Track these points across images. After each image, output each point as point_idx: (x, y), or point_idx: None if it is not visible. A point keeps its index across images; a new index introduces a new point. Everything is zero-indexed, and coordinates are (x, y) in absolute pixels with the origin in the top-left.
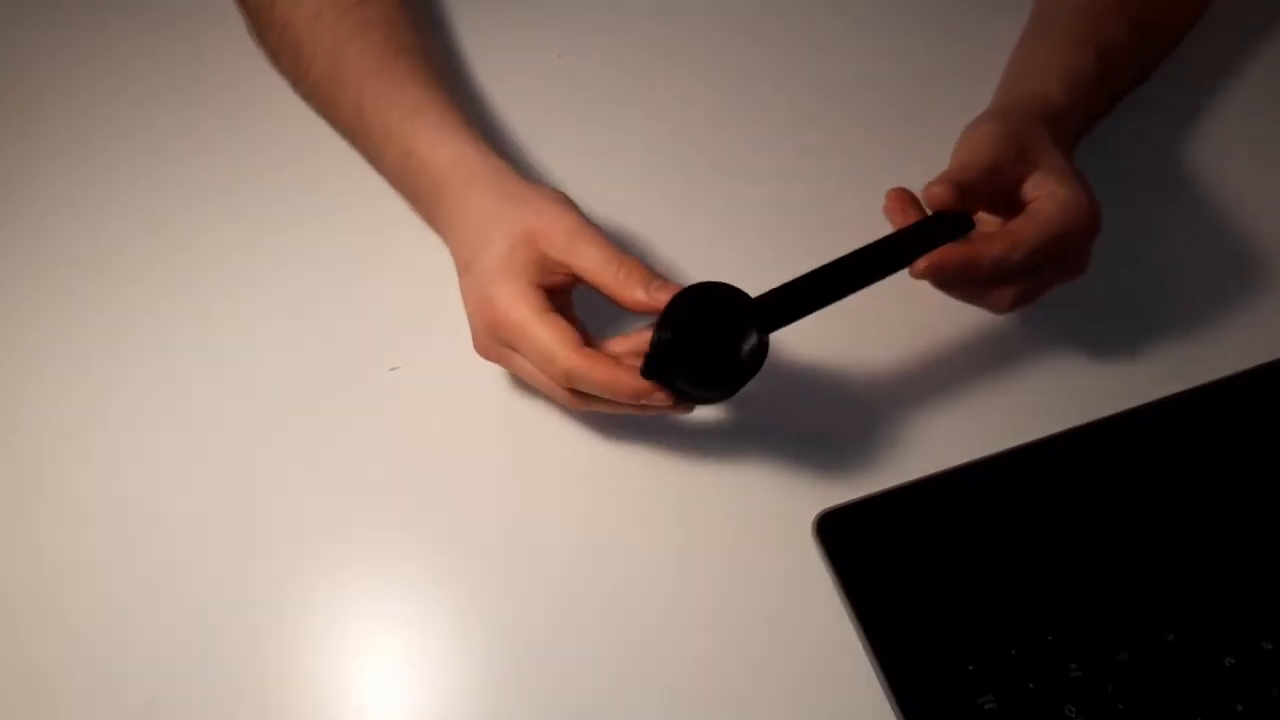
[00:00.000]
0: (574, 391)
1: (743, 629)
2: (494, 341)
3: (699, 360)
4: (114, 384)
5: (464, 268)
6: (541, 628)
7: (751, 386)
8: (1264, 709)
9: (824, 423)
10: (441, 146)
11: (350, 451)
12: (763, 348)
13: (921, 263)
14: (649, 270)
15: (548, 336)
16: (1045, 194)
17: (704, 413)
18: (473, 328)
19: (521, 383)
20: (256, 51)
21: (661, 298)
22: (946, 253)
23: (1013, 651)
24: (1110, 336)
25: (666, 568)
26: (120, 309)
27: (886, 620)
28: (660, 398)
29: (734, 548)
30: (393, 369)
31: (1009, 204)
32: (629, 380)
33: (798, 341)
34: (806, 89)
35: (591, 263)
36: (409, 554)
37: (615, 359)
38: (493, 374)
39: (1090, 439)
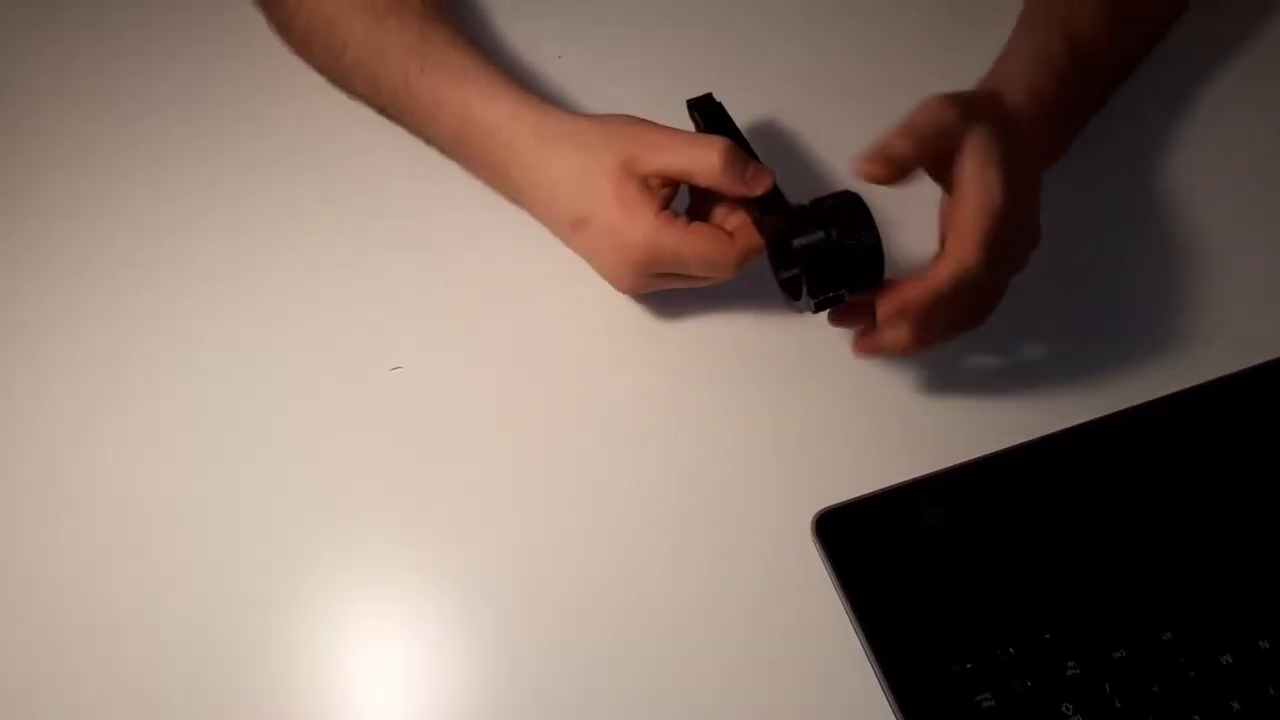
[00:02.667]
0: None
1: (742, 627)
2: (647, 277)
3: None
4: (115, 384)
5: (577, 224)
6: (541, 627)
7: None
8: (1261, 708)
9: (824, 422)
10: (497, 106)
11: (352, 451)
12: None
13: (888, 306)
14: (738, 153)
15: (702, 247)
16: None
17: (704, 413)
18: (612, 275)
19: (522, 381)
20: (258, 58)
21: (757, 186)
22: (909, 292)
23: (1011, 650)
24: (1109, 336)
25: (665, 567)
26: (122, 311)
27: (885, 618)
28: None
29: (733, 546)
30: (394, 369)
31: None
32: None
33: (797, 340)
34: (808, 93)
35: (684, 166)
36: (410, 553)
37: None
38: (493, 373)
39: (1089, 438)
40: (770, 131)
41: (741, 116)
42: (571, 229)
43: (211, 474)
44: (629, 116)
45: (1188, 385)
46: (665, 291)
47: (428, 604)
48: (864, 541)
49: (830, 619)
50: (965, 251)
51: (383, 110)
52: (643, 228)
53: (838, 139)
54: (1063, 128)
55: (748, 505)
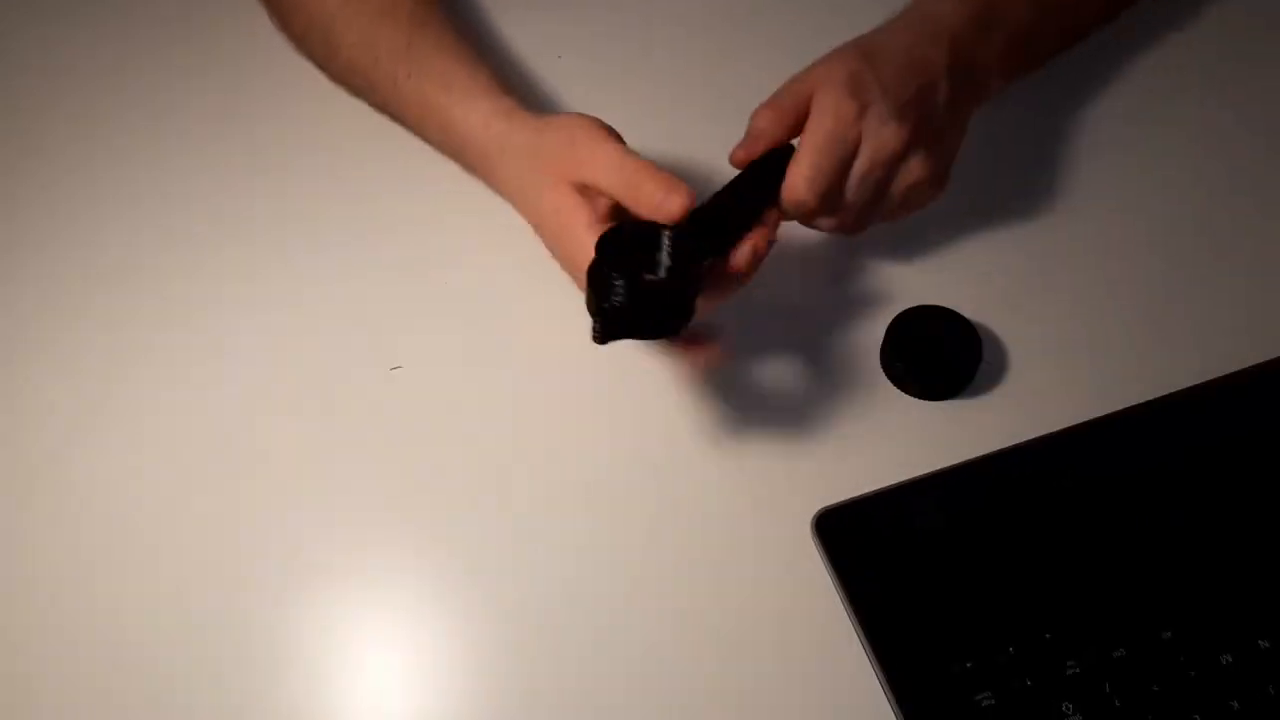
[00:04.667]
0: None
1: (742, 626)
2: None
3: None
4: (116, 385)
5: (536, 229)
6: (541, 627)
7: (752, 385)
8: (1260, 707)
9: (823, 422)
10: (473, 115)
11: (352, 451)
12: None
13: (745, 250)
14: (659, 176)
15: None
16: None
17: (704, 413)
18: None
19: (522, 381)
20: (258, 63)
21: (672, 207)
22: (743, 258)
23: (1010, 649)
24: (1108, 336)
25: (665, 566)
26: (124, 314)
27: (885, 617)
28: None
29: (733, 546)
30: (395, 368)
31: None
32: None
33: (797, 340)
34: None
35: (607, 184)
36: (410, 552)
37: None
38: (493, 374)
39: (1088, 438)
40: None
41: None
42: (537, 235)
43: (211, 474)
44: (577, 126)
45: (1187, 385)
46: None
47: (427, 603)
48: (864, 541)
49: (830, 618)
50: (795, 188)
51: (379, 110)
52: (567, 242)
53: None
54: (987, 41)
55: (748, 505)
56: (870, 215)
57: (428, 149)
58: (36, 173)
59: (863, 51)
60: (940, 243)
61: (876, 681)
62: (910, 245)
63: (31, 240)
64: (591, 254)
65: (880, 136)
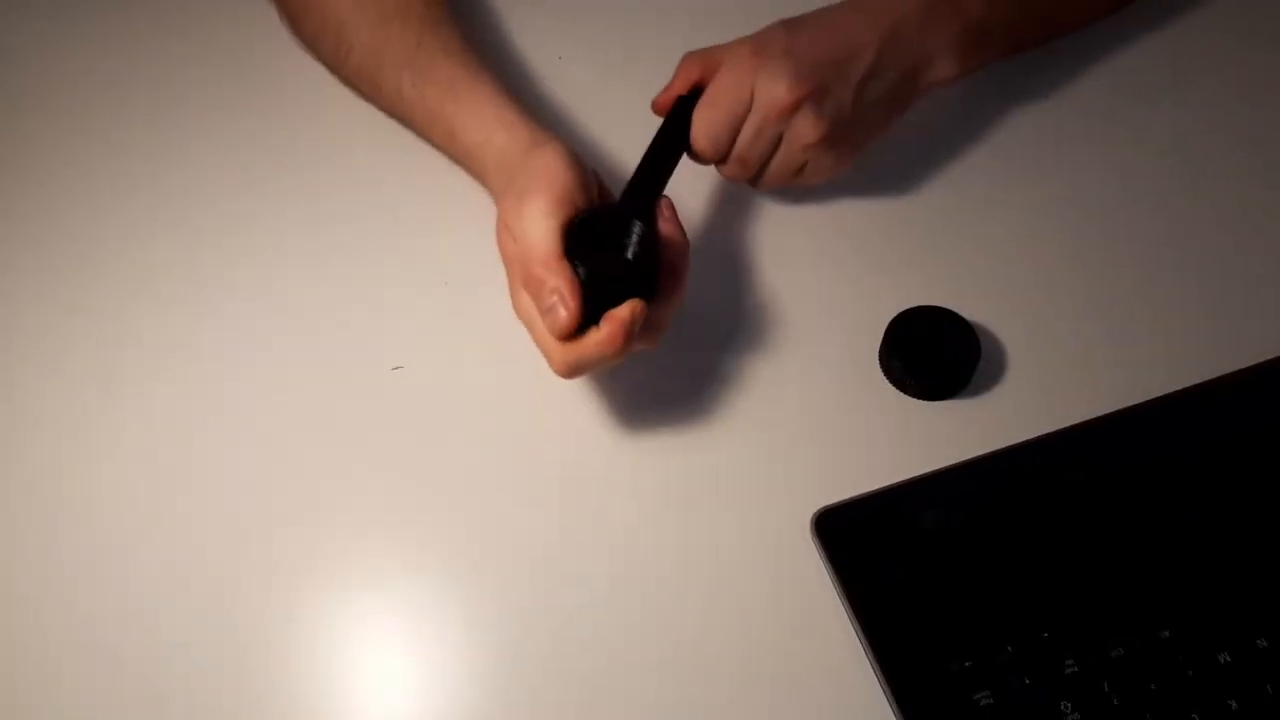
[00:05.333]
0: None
1: (741, 625)
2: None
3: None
4: (117, 385)
5: (500, 232)
6: (541, 627)
7: (752, 385)
8: (1259, 706)
9: (823, 421)
10: (476, 128)
11: (352, 451)
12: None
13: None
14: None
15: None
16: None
17: (704, 412)
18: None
19: (522, 382)
20: (258, 59)
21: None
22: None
23: (1009, 648)
24: (1106, 336)
25: (665, 566)
26: (124, 312)
27: (884, 617)
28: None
29: (732, 545)
30: (395, 368)
31: None
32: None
33: (798, 339)
34: None
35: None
36: (410, 552)
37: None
38: (494, 374)
39: (1087, 438)
40: None
41: None
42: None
43: (211, 473)
44: (555, 160)
45: (1187, 385)
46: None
47: (428, 603)
48: (863, 541)
49: (829, 618)
50: (694, 128)
51: (388, 114)
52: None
53: None
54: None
55: (748, 505)
56: (766, 170)
57: (429, 148)
58: (33, 168)
59: (790, 21)
60: (940, 243)
61: (875, 681)
62: (910, 245)
63: (28, 236)
64: (545, 244)
65: (769, 91)
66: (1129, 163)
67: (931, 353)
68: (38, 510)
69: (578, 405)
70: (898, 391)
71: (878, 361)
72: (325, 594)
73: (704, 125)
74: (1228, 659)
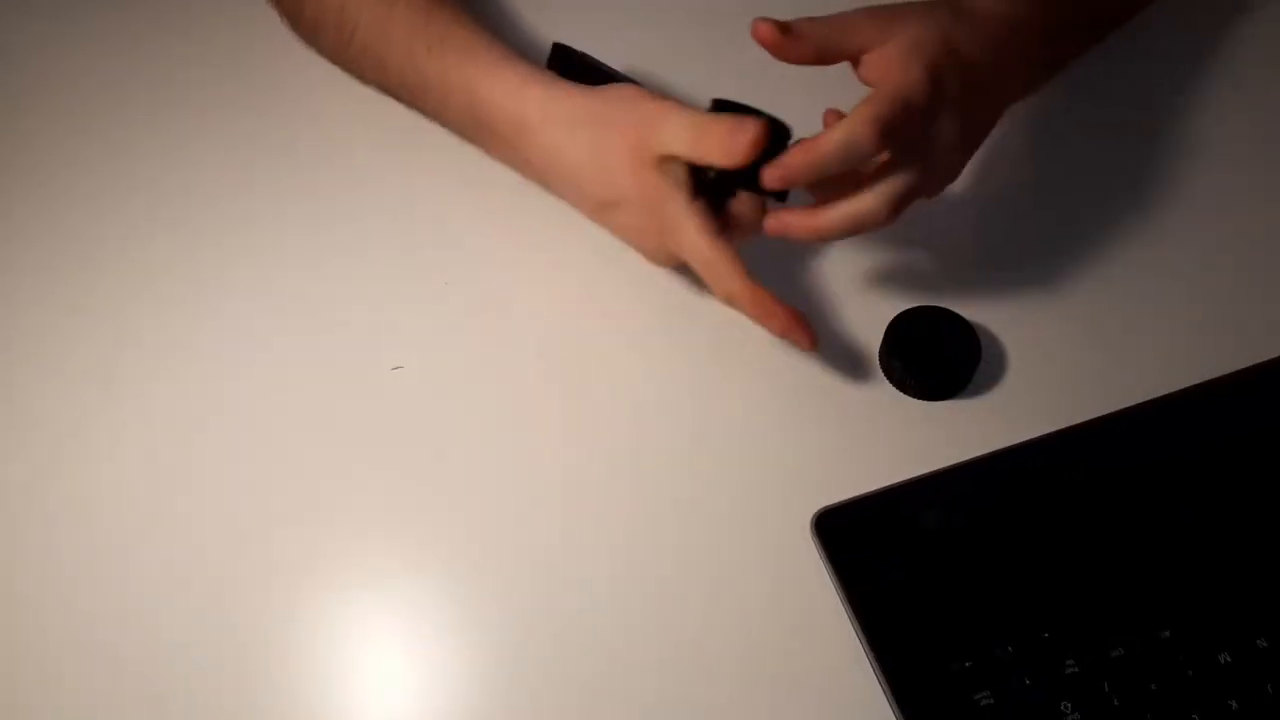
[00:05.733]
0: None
1: (741, 626)
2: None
3: None
4: (117, 385)
5: (605, 208)
6: (542, 626)
7: (752, 385)
8: (1259, 706)
9: (823, 421)
10: (504, 84)
11: (352, 451)
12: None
13: (770, 171)
14: (723, 120)
15: (720, 267)
16: (880, 72)
17: (704, 413)
18: (646, 254)
19: (522, 381)
20: (258, 57)
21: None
22: (791, 156)
23: (1009, 648)
24: (1106, 336)
25: (666, 566)
26: (124, 311)
27: (884, 617)
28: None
29: (733, 546)
30: (395, 368)
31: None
32: (777, 317)
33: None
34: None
35: (679, 145)
36: (410, 553)
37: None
38: (494, 374)
39: (1087, 438)
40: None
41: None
42: (599, 211)
43: (211, 473)
44: (635, 93)
45: (1187, 385)
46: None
47: (428, 603)
48: (864, 541)
49: (830, 618)
50: (858, 120)
51: (394, 95)
52: (667, 223)
53: None
54: (1042, 49)
55: (748, 505)
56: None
57: (429, 146)
58: (33, 168)
59: (946, 38)
60: (940, 243)
61: (875, 681)
62: (910, 245)
63: (28, 235)
64: (695, 235)
65: (944, 138)
66: (1129, 162)
67: (932, 353)
68: (38, 510)
69: (578, 405)
70: (898, 391)
71: (878, 362)
72: (325, 594)
73: (872, 125)
74: (1228, 659)
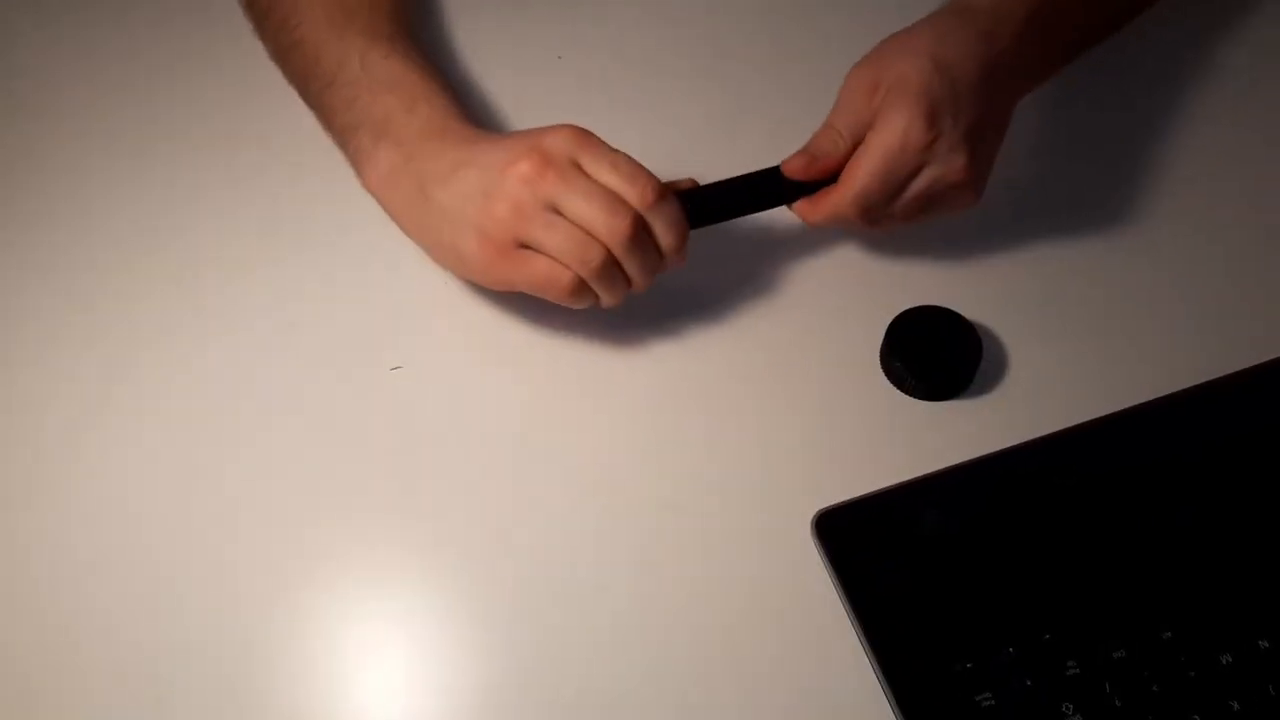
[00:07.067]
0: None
1: (742, 626)
2: (520, 226)
3: None
4: (116, 386)
5: (455, 168)
6: (541, 627)
7: (752, 385)
8: (1260, 707)
9: (823, 422)
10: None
11: (352, 451)
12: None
13: (811, 217)
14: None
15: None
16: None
17: (704, 413)
18: (482, 237)
19: (522, 382)
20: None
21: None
22: (815, 207)
23: (1010, 649)
24: (1108, 336)
25: (666, 566)
26: (125, 312)
27: (885, 618)
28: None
29: (733, 546)
30: (395, 368)
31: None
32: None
33: (798, 340)
34: (808, 86)
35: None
36: (410, 552)
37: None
38: (493, 374)
39: (1088, 438)
40: (772, 128)
41: (740, 113)
42: (440, 179)
43: (212, 474)
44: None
45: (1187, 385)
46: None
47: (428, 603)
48: (864, 541)
49: (830, 619)
50: (848, 187)
51: (313, 84)
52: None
53: None
54: (1042, 46)
55: (748, 505)
56: (895, 224)
57: None
58: (35, 171)
59: (936, 61)
60: (940, 243)
61: (876, 681)
62: (910, 245)
63: (29, 239)
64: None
65: (949, 164)
66: (1129, 162)
67: (932, 353)
68: (38, 510)
69: (578, 405)
70: (898, 391)
71: (878, 361)
72: (325, 594)
73: (857, 196)
74: (1229, 660)
